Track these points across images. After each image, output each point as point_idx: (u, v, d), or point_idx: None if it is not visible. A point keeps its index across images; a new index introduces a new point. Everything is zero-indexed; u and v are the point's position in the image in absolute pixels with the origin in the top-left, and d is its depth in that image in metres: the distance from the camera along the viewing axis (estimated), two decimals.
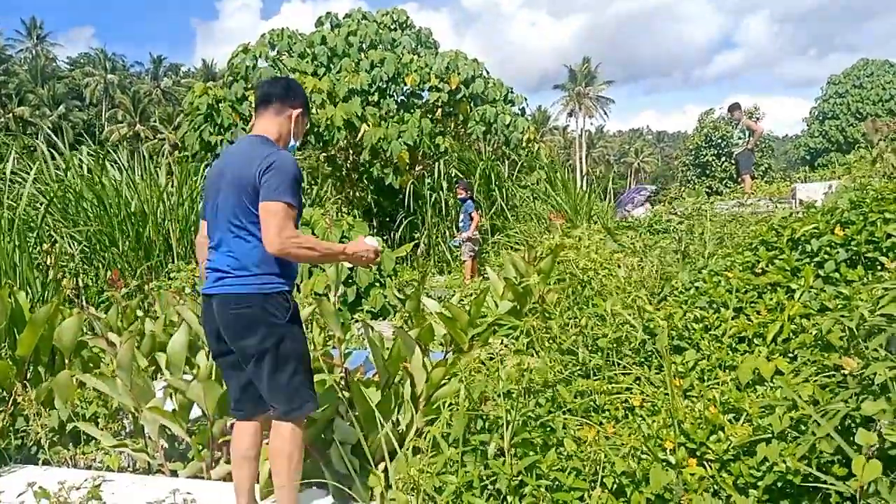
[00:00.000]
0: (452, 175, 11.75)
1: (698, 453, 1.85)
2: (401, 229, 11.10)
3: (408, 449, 2.60)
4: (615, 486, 1.86)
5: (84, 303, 5.80)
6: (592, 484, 1.84)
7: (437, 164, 11.28)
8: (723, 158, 22.12)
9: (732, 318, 2.78)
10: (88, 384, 3.25)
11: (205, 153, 10.01)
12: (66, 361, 3.62)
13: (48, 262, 5.82)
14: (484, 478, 2.00)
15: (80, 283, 6.15)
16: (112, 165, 7.30)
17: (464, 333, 3.77)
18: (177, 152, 10.71)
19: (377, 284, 7.13)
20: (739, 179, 12.71)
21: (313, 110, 10.27)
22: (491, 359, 2.68)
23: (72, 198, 6.66)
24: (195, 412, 3.25)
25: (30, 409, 3.22)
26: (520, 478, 1.94)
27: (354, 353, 4.02)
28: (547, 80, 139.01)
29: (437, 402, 2.82)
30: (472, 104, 12.01)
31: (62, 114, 54.23)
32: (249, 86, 10.24)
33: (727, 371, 2.46)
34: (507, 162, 11.69)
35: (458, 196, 9.13)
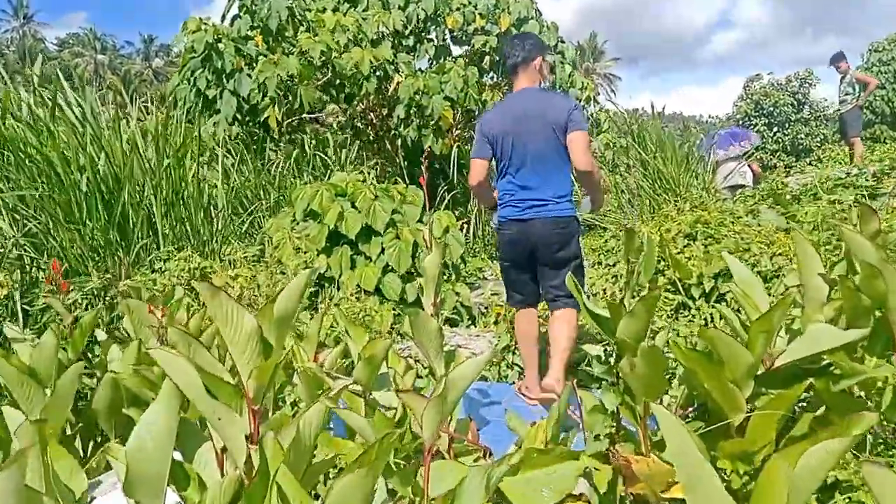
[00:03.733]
0: None
1: None
2: (443, 205, 9.00)
3: None
4: None
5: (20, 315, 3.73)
6: None
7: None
8: (775, 129, 19.99)
9: None
10: None
11: (201, 108, 7.88)
12: None
13: None
14: None
15: (23, 280, 4.08)
16: (70, 108, 5.14)
17: (737, 392, 1.88)
18: (164, 109, 8.55)
19: (445, 279, 5.07)
20: (846, 143, 10.65)
21: (333, 55, 8.15)
22: None
23: (11, 155, 4.55)
24: None
25: None
26: None
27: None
28: None
29: None
30: None
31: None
32: (255, 23, 8.09)
33: None
34: None
35: None
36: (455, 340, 4.42)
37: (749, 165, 9.01)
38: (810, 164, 16.74)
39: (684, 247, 4.96)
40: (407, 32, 9.07)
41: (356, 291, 4.67)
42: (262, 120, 7.51)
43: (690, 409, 2.27)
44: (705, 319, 4.30)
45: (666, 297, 4.52)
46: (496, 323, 4.78)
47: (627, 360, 2.02)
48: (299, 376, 2.29)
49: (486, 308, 5.19)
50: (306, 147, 7.76)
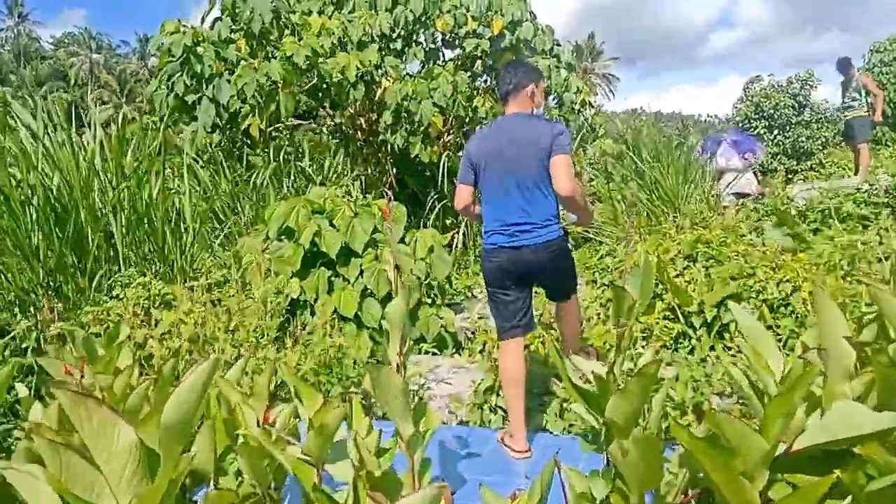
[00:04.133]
0: None
1: None
2: (432, 215, 8.67)
3: None
4: None
5: None
6: None
7: (475, 130, 8.84)
8: (775, 131, 19.64)
9: None
10: None
11: (179, 115, 7.54)
12: None
13: None
14: None
15: None
16: (19, 122, 4.76)
17: (749, 487, 1.56)
18: (145, 116, 8.22)
19: (428, 302, 4.74)
20: (852, 149, 10.32)
21: (318, 59, 7.81)
22: None
23: None
24: None
25: None
26: None
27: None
28: None
29: None
30: (516, 56, 9.53)
31: (45, 95, 51.79)
32: (238, 26, 7.75)
33: None
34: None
35: None
36: (437, 374, 4.10)
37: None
38: (812, 168, 16.43)
39: (684, 269, 4.64)
40: (394, 36, 8.73)
41: (332, 317, 4.34)
42: (244, 128, 7.17)
43: (693, 492, 1.95)
44: (706, 354, 3.98)
45: (665, 326, 4.20)
46: (482, 352, 4.45)
47: (618, 446, 1.69)
48: (240, 447, 1.95)
49: (472, 333, 4.86)
50: (287, 157, 7.42)
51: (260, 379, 2.38)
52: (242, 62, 7.10)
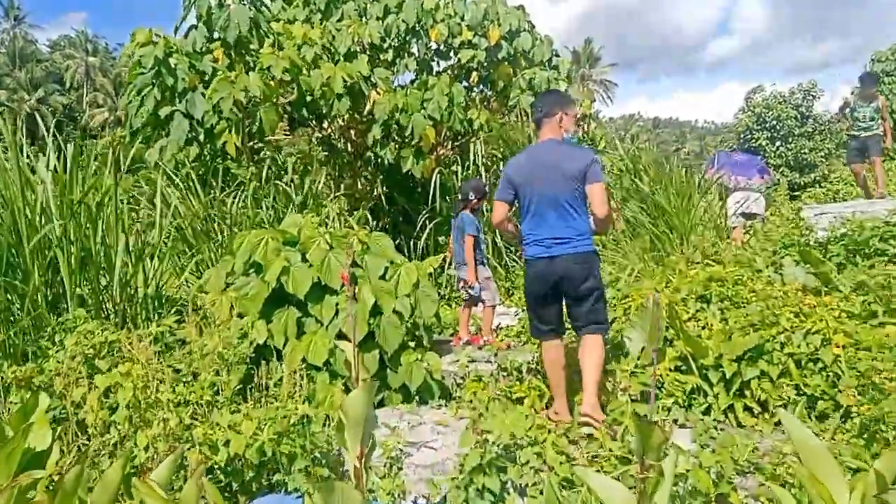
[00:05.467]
0: (490, 159, 8.89)
1: None
2: (424, 235, 8.21)
3: None
4: None
5: None
6: None
7: (471, 145, 8.40)
8: (777, 143, 19.24)
9: None
10: None
11: (153, 130, 7.07)
12: None
13: None
14: None
15: None
16: None
17: None
18: (119, 129, 7.74)
19: (411, 346, 4.25)
20: (854, 163, 9.85)
21: (304, 72, 7.35)
22: None
23: None
24: None
25: None
26: None
27: None
28: None
29: None
30: (513, 67, 9.10)
31: (41, 98, 51.28)
32: (214, 35, 7.28)
33: None
34: None
35: (468, 205, 5.46)
36: (419, 433, 3.61)
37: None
38: (816, 183, 16.05)
39: (697, 311, 4.17)
40: (385, 46, 8.28)
41: (302, 366, 3.86)
42: (220, 145, 6.70)
43: None
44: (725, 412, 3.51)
45: (677, 380, 3.72)
46: (471, 404, 3.97)
47: None
48: None
49: (462, 379, 4.37)
50: (270, 174, 6.95)
51: (187, 487, 1.89)
52: (219, 75, 6.63)
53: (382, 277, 4.39)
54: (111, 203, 4.45)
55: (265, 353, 4.01)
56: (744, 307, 4.11)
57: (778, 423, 3.47)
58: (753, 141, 18.89)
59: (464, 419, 3.78)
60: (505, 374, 4.08)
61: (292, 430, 3.03)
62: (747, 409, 3.55)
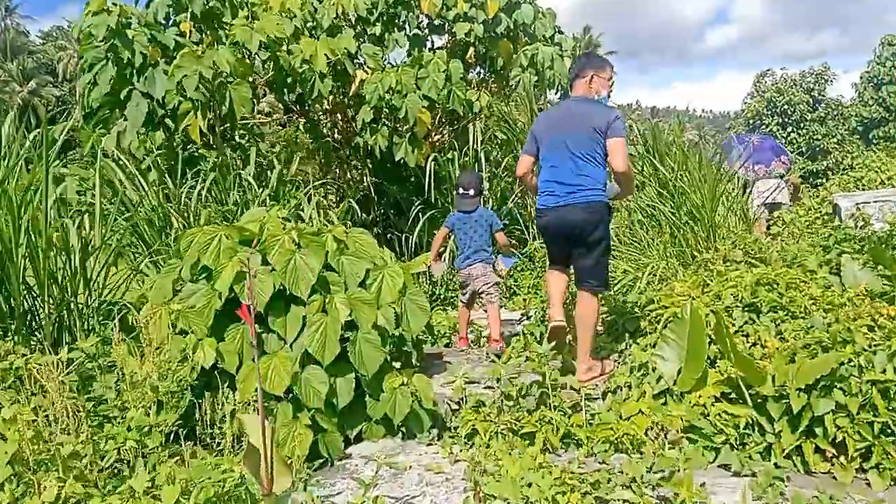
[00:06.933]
0: (491, 143, 8.12)
1: None
2: (417, 228, 7.44)
3: None
4: None
5: None
6: None
7: (471, 127, 7.62)
8: (789, 129, 18.43)
9: None
10: None
11: (111, 112, 6.30)
12: None
13: None
14: None
15: None
16: None
17: None
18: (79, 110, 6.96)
19: (396, 367, 3.50)
20: None
21: (283, 46, 6.58)
22: None
23: None
24: None
25: None
26: None
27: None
28: None
29: None
30: (514, 42, 8.31)
31: (33, 89, 50.49)
32: (179, 4, 6.49)
33: None
34: None
35: (466, 197, 4.85)
36: (403, 484, 2.87)
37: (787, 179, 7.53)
38: (838, 169, 15.21)
39: (744, 323, 3.42)
40: (373, 19, 7.48)
41: (250, 401, 3.11)
42: (182, 129, 5.93)
43: None
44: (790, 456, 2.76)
45: (725, 412, 2.98)
46: (469, 441, 3.23)
47: None
48: None
49: (458, 404, 3.63)
50: (235, 163, 6.17)
51: None
52: (184, 50, 5.84)
53: (363, 283, 3.63)
54: (40, 195, 3.71)
55: (214, 381, 3.25)
56: (803, 318, 3.36)
57: (860, 470, 2.74)
58: (764, 127, 18.06)
59: (460, 462, 3.04)
60: (510, 403, 3.33)
61: (232, 494, 2.29)
62: (818, 450, 2.81)
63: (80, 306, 4.12)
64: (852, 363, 2.84)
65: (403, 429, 3.46)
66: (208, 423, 3.01)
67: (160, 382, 2.93)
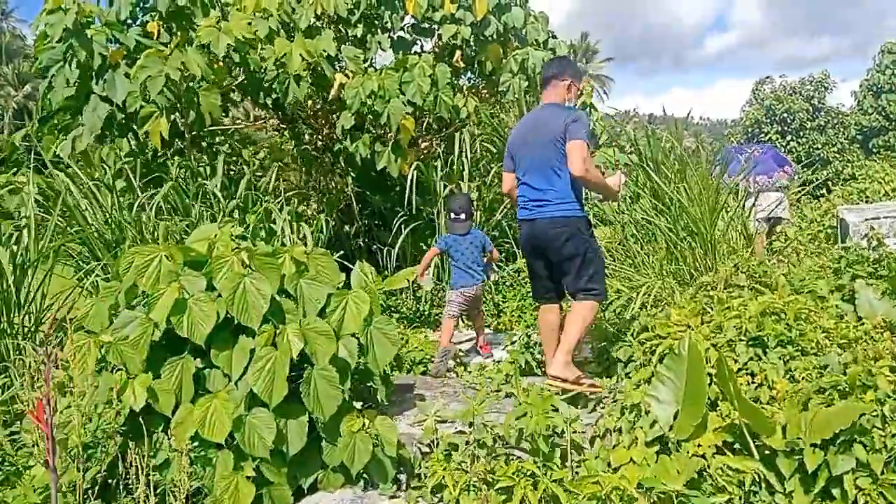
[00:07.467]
0: (479, 151, 7.76)
1: None
2: (399, 240, 7.06)
3: None
4: None
5: None
6: None
7: (456, 135, 7.25)
8: (788, 137, 18.10)
9: None
10: None
11: (71, 117, 5.91)
12: None
13: None
14: None
15: None
16: None
17: None
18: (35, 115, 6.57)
19: (357, 407, 3.10)
20: None
21: (256, 48, 6.21)
22: None
23: None
24: None
25: None
26: None
27: None
28: None
29: None
30: (503, 46, 7.94)
31: (28, 94, 50.12)
32: (148, 4, 6.11)
33: None
34: None
35: (458, 221, 4.83)
36: None
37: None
38: (838, 178, 14.88)
39: (749, 360, 3.04)
40: (354, 20, 7.11)
41: (193, 444, 2.71)
42: (142, 133, 5.54)
43: None
44: None
45: (728, 467, 2.59)
46: (437, 494, 2.84)
47: None
48: None
49: (428, 448, 3.23)
50: (200, 170, 5.79)
51: None
52: (149, 50, 5.45)
53: (323, 311, 3.24)
54: None
55: (149, 424, 2.85)
56: (815, 355, 2.98)
57: None
58: (762, 135, 17.70)
59: None
60: (484, 451, 2.93)
61: None
62: None
63: (16, 328, 3.74)
64: (875, 413, 2.46)
65: (366, 475, 3.07)
66: (135, 475, 2.61)
67: (80, 429, 2.54)
